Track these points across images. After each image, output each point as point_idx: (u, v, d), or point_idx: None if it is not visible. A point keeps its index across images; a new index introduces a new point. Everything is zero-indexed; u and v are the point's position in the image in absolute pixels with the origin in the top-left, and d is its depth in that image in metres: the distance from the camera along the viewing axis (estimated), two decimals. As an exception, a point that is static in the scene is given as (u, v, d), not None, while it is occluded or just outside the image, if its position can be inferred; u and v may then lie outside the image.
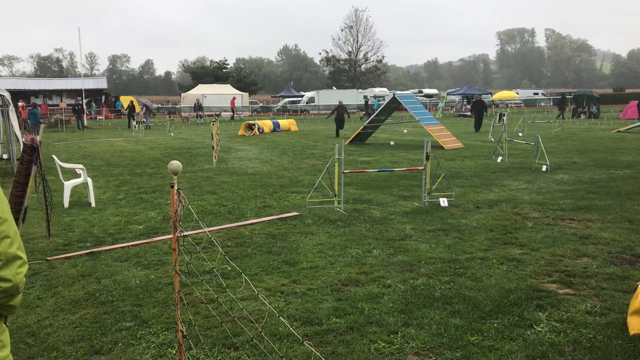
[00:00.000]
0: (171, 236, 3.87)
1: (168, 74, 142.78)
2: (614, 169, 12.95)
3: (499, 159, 15.14)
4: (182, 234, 3.70)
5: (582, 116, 38.43)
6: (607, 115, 37.76)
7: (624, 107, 39.02)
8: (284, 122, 31.41)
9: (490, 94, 67.04)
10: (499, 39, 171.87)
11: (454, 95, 61.00)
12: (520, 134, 23.47)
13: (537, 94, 70.97)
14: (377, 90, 66.26)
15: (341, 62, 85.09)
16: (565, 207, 8.87)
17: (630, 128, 25.97)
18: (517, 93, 64.77)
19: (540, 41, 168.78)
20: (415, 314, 4.68)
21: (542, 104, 63.36)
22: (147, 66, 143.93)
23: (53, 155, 10.98)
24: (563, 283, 5.39)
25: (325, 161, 14.85)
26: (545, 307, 4.78)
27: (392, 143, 21.42)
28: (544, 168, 12.98)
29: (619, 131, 25.29)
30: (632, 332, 4.18)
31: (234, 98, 49.34)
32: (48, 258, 6.55)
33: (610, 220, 7.93)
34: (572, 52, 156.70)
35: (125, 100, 48.80)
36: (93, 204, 9.76)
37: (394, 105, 21.40)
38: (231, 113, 47.40)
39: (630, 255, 6.27)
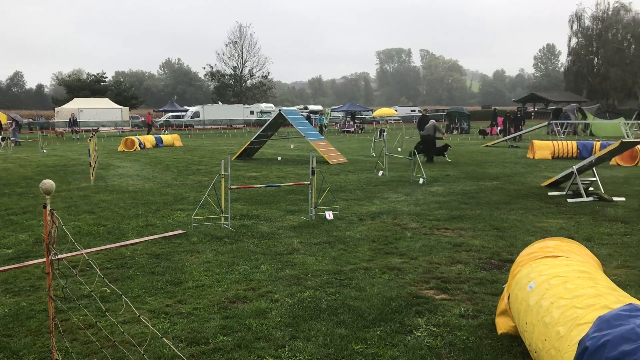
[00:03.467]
0: (44, 260, 3.64)
1: (40, 87, 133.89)
2: (483, 181, 13.98)
3: (380, 173, 15.78)
4: (56, 257, 3.50)
5: (455, 132, 41.11)
6: (476, 131, 40.68)
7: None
8: (167, 137, 30.57)
9: (371, 110, 69.86)
10: (378, 58, 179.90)
11: (337, 111, 62.82)
12: (400, 149, 24.61)
13: (414, 110, 75.00)
14: (264, 106, 66.67)
15: (226, 77, 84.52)
16: (441, 217, 9.44)
17: (496, 143, 28.18)
18: (396, 110, 68.11)
19: (416, 61, 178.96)
20: (303, 326, 4.75)
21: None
22: (16, 78, 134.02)
23: None
24: (439, 289, 5.73)
25: (211, 177, 14.66)
26: (424, 313, 5.05)
27: (279, 158, 21.60)
28: (420, 181, 13.72)
29: (487, 146, 27.37)
30: (499, 331, 4.53)
31: (150, 112, 47.87)
32: None
33: (480, 228, 8.55)
34: (444, 71, 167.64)
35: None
36: (-47, 228, 8.89)
37: (280, 120, 21.63)
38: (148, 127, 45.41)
39: (497, 260, 6.79)
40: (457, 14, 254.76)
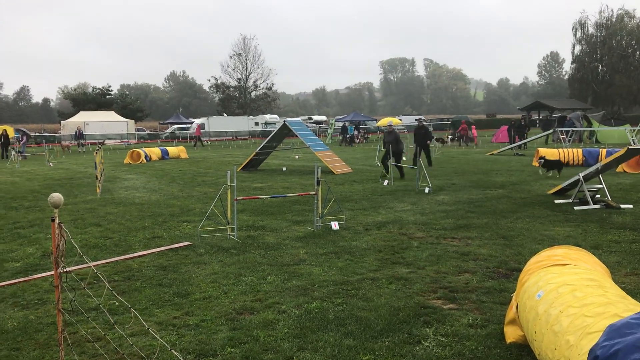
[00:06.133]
0: (52, 273, 3.65)
1: (46, 100, 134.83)
2: (489, 190, 13.95)
3: (385, 182, 15.77)
4: (64, 270, 3.52)
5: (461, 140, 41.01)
6: (481, 139, 40.65)
7: (496, 131, 42.27)
8: (173, 150, 30.67)
9: (376, 120, 69.94)
10: (382, 68, 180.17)
11: (342, 121, 62.91)
12: (404, 158, 24.58)
13: (418, 120, 75.00)
14: (268, 117, 66.85)
15: (231, 89, 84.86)
16: (447, 226, 9.41)
17: (502, 151, 28.13)
18: (401, 119, 68.15)
19: (420, 70, 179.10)
20: (310, 337, 4.74)
21: (424, 129, 66.86)
22: (23, 93, 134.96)
23: None
24: (447, 298, 5.70)
25: (217, 188, 14.68)
26: (432, 323, 5.03)
27: (284, 169, 21.62)
28: (426, 190, 13.70)
29: (492, 154, 27.32)
30: (508, 340, 4.51)
31: (199, 126, 49.22)
32: None
33: (487, 237, 8.52)
34: (448, 80, 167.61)
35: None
36: (-39, 242, 8.94)
37: (285, 131, 21.69)
38: (195, 139, 46.95)
39: (505, 269, 6.76)
40: (461, 23, 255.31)
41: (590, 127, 35.89)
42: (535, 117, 71.21)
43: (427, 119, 77.94)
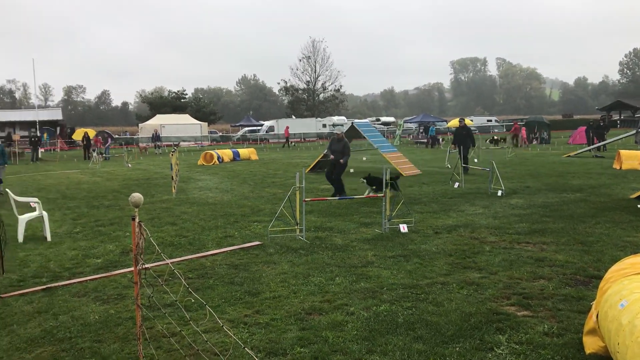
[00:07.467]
0: (131, 269, 3.82)
1: (125, 104, 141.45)
2: (566, 193, 13.39)
3: (456, 184, 15.45)
4: (143, 267, 3.67)
5: (535, 142, 39.68)
6: (557, 141, 39.12)
7: (572, 132, 40.55)
8: (243, 151, 31.36)
9: (445, 121, 68.75)
10: (453, 68, 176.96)
11: (410, 123, 62.32)
12: (476, 160, 24.02)
13: (490, 120, 73.09)
14: (336, 119, 67.09)
15: (300, 92, 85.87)
16: (521, 230, 9.11)
17: (579, 153, 26.95)
18: (472, 120, 66.64)
19: (492, 70, 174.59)
20: (379, 340, 4.72)
21: (496, 130, 65.18)
22: (104, 97, 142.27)
23: (7, 189, 10.67)
24: (521, 305, 5.52)
25: (286, 189, 14.87)
26: (505, 330, 4.89)
27: (352, 171, 21.59)
28: (499, 193, 13.31)
29: (569, 156, 26.21)
30: (587, 351, 4.31)
31: (287, 127, 51.07)
32: (2, 295, 6.33)
33: (563, 242, 8.18)
34: (522, 80, 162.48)
35: (79, 133, 48.02)
36: (49, 238, 9.49)
37: (353, 133, 21.68)
38: (284, 140, 49.02)
39: (583, 276, 6.47)
40: (535, 21, 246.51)
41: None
42: (615, 117, 67.77)
43: (499, 119, 75.84)
